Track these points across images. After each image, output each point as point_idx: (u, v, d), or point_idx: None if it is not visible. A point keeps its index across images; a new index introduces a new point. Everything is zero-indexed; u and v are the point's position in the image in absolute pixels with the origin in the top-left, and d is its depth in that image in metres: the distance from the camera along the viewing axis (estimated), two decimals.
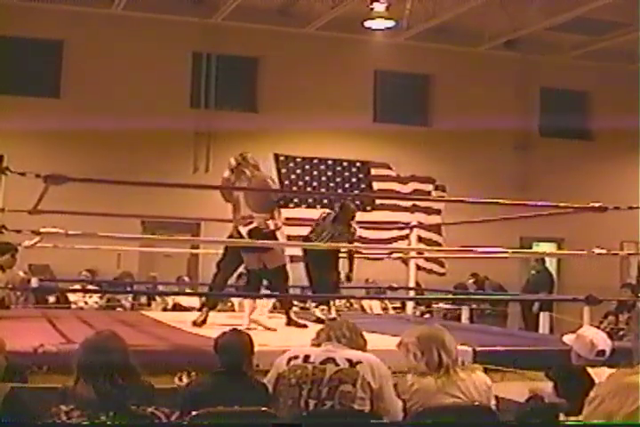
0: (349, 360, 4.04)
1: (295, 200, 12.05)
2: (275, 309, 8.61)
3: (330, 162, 12.79)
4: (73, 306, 11.49)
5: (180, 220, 13.26)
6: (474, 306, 11.25)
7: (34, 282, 9.46)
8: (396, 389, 4.10)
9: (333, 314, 8.19)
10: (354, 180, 12.65)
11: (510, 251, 9.44)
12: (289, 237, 11.55)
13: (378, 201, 11.98)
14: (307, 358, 4.09)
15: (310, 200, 12.09)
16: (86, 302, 11.68)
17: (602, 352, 4.70)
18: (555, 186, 16.29)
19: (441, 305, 12.91)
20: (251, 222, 7.13)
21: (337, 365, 4.03)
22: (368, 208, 11.91)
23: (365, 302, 13.07)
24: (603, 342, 4.77)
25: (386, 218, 11.15)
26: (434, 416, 3.89)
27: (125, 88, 15.41)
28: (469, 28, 16.14)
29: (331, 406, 3.96)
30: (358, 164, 12.88)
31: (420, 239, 11.40)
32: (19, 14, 14.84)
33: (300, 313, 9.74)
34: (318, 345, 4.19)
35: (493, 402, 4.11)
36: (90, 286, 11.76)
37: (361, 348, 4.23)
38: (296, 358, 4.12)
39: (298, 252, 11.68)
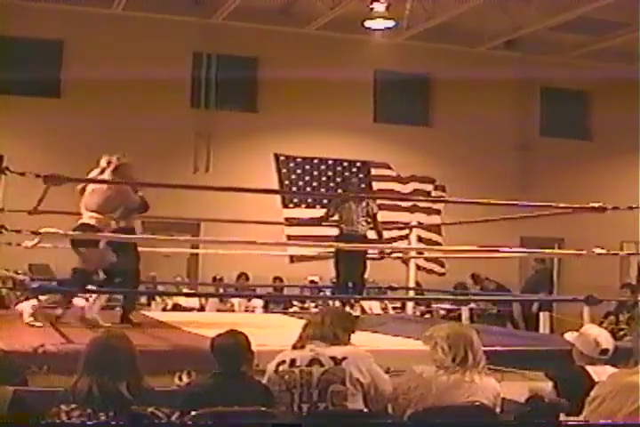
0: (334, 358, 4.04)
1: (295, 200, 12.03)
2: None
3: (330, 162, 12.74)
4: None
5: (180, 220, 13.26)
6: (472, 305, 11.24)
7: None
8: (405, 376, 4.10)
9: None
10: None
11: (510, 251, 9.43)
12: (289, 237, 11.60)
13: (378, 201, 11.95)
14: (293, 362, 4.09)
15: (310, 200, 12.06)
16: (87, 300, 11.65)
17: (605, 351, 4.69)
18: (555, 186, 16.30)
19: (441, 305, 12.91)
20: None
21: (322, 365, 4.03)
22: None
23: (365, 302, 13.06)
24: (606, 340, 4.76)
25: (386, 218, 11.11)
26: (434, 416, 3.88)
27: (125, 88, 15.39)
28: (469, 28, 16.13)
29: (324, 407, 3.96)
30: (358, 164, 12.84)
31: (420, 239, 11.38)
32: (19, 14, 14.84)
33: (301, 312, 9.77)
34: (302, 347, 4.18)
35: (498, 410, 4.10)
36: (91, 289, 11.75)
37: (346, 342, 4.22)
38: (283, 362, 4.12)
39: (297, 252, 11.69)
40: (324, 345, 4.13)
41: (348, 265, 8.56)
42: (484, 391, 3.99)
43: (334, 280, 9.21)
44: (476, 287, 14.23)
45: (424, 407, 3.93)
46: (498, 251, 8.68)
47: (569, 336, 4.93)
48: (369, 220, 8.62)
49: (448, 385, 3.95)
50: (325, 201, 11.07)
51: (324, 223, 9.40)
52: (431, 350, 4.10)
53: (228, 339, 4.25)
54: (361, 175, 12.50)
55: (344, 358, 4.04)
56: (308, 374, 4.01)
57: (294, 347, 4.22)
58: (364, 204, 8.62)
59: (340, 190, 11.93)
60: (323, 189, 12.47)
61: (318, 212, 10.02)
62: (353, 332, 4.38)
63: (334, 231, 8.91)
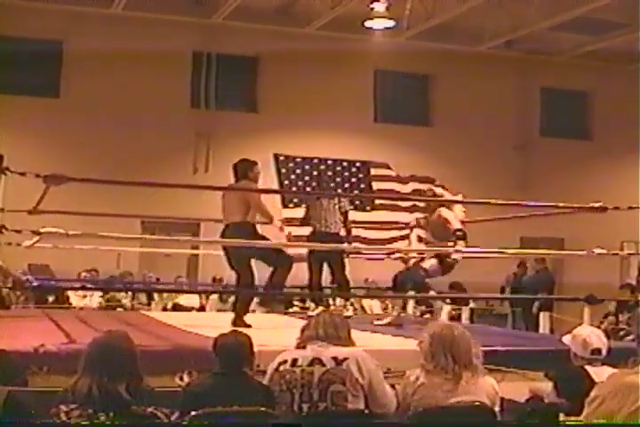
0: (335, 359, 4.03)
1: (295, 200, 12.02)
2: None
3: (330, 162, 12.73)
4: (74, 302, 11.53)
5: (179, 220, 13.27)
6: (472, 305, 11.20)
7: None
8: (401, 384, 4.09)
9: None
10: (354, 180, 12.60)
11: (510, 251, 9.42)
12: (289, 238, 11.56)
13: (377, 201, 11.96)
14: (294, 361, 4.08)
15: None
16: (87, 304, 11.68)
17: (597, 351, 4.71)
18: (555, 186, 16.30)
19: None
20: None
21: (323, 365, 4.02)
22: (368, 208, 11.90)
23: (365, 303, 13.07)
24: (597, 340, 4.77)
25: (385, 218, 11.10)
26: (434, 416, 3.88)
27: (125, 88, 15.41)
28: (469, 28, 16.14)
29: (324, 407, 3.96)
30: (358, 164, 12.83)
31: (420, 239, 11.37)
32: (19, 14, 14.84)
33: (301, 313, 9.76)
34: (304, 347, 4.18)
35: (498, 408, 4.09)
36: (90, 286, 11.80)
37: (347, 343, 4.21)
38: (285, 362, 4.11)
39: (297, 252, 11.68)
40: (326, 345, 4.12)
41: (331, 265, 8.45)
42: (480, 392, 3.98)
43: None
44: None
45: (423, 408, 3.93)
46: (498, 251, 8.67)
47: (565, 339, 4.95)
48: (341, 218, 8.49)
49: (443, 389, 3.94)
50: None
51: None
52: (418, 355, 4.08)
53: (230, 339, 4.25)
54: (361, 175, 12.51)
55: (345, 359, 4.03)
56: (310, 374, 4.01)
57: (297, 348, 4.22)
58: (335, 201, 8.51)
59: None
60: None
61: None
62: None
63: None
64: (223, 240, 7.32)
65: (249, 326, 6.74)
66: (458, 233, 7.89)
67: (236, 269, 7.26)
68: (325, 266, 8.42)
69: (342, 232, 8.51)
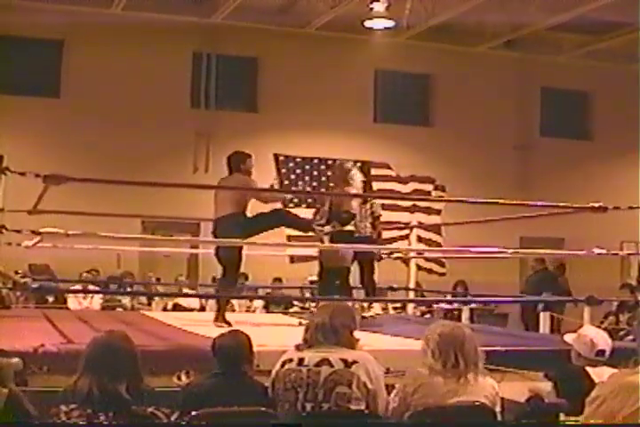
0: (344, 360, 4.02)
1: (295, 200, 12.02)
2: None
3: (330, 162, 12.74)
4: (72, 306, 11.52)
5: (179, 220, 13.26)
6: (473, 305, 11.21)
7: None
8: (402, 382, 4.08)
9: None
10: None
11: (510, 251, 9.43)
12: (289, 238, 11.61)
13: (378, 201, 11.98)
14: (301, 360, 4.07)
15: (310, 200, 12.06)
16: (88, 306, 11.68)
17: (602, 352, 4.71)
18: (555, 186, 16.29)
19: (441, 305, 12.90)
20: None
21: (331, 366, 4.01)
22: None
23: (366, 302, 13.02)
24: (603, 341, 4.77)
25: (386, 218, 11.13)
26: (434, 416, 3.88)
27: (125, 88, 15.40)
28: (469, 28, 16.13)
29: (328, 408, 3.95)
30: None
31: (420, 239, 11.38)
32: (19, 14, 14.82)
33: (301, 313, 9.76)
34: (310, 347, 4.17)
35: (498, 409, 4.08)
36: (90, 287, 11.81)
37: (353, 346, 4.20)
38: (290, 361, 4.10)
39: (296, 252, 11.70)
40: (334, 347, 4.11)
41: (362, 268, 8.53)
42: (481, 392, 3.98)
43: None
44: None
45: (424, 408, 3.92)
46: (498, 251, 8.66)
47: (568, 338, 4.95)
48: (372, 221, 8.51)
49: (445, 388, 3.93)
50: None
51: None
52: (422, 353, 4.07)
53: (229, 339, 4.24)
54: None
55: (355, 362, 4.02)
56: (316, 374, 3.99)
57: (298, 348, 4.19)
58: (368, 205, 8.53)
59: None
60: (323, 189, 12.46)
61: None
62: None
63: None
64: (222, 240, 7.32)
65: (229, 323, 6.80)
66: (344, 215, 7.77)
67: (225, 262, 7.31)
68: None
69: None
